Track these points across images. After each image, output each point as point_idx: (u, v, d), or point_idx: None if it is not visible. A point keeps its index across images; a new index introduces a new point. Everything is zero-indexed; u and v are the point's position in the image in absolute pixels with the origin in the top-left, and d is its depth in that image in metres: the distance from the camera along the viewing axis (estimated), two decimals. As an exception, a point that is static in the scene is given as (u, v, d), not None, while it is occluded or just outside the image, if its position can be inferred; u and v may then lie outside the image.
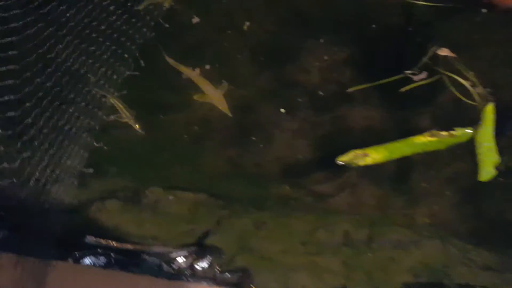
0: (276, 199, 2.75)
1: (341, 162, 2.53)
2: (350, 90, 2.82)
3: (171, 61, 2.90)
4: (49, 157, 2.24)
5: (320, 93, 3.00)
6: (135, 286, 2.11)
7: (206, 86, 2.95)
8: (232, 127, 2.91)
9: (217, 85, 2.98)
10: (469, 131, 2.53)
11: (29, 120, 2.06)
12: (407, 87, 2.69)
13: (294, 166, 2.89)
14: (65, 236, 2.31)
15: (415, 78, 2.70)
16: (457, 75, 2.64)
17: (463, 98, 2.66)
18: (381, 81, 2.72)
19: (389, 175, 2.83)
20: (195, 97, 2.95)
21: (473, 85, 2.60)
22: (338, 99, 2.99)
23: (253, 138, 2.90)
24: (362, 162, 2.51)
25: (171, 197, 2.63)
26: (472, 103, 2.64)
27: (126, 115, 2.78)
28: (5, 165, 1.91)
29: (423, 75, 2.70)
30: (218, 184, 2.78)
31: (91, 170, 2.50)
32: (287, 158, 2.89)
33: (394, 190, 2.80)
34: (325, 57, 3.06)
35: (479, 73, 2.70)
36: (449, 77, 2.67)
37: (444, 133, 2.53)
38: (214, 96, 2.92)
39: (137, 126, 2.80)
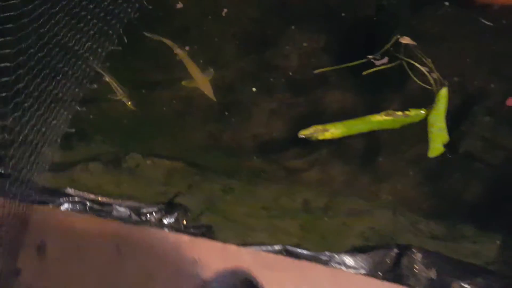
0: (248, 171, 3.13)
1: (302, 136, 2.91)
2: (316, 71, 3.21)
3: (155, 36, 3.30)
4: (38, 117, 2.68)
5: (297, 76, 3.38)
6: (105, 228, 2.53)
7: (194, 71, 3.33)
8: (213, 105, 3.30)
9: (203, 71, 3.35)
10: (422, 112, 2.90)
11: (21, 85, 2.51)
12: (369, 71, 3.08)
13: (269, 143, 3.27)
14: (48, 188, 2.74)
15: (377, 62, 3.08)
16: (416, 61, 3.00)
17: (420, 82, 3.03)
18: (346, 65, 3.12)
19: (358, 155, 3.20)
20: (183, 83, 3.34)
21: (430, 71, 2.97)
22: (313, 82, 3.38)
23: (232, 116, 3.30)
24: (322, 136, 2.90)
25: (149, 163, 3.03)
26: (428, 87, 3.01)
27: (120, 93, 3.21)
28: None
29: (385, 60, 3.09)
30: (195, 154, 3.17)
31: (73, 130, 2.93)
32: (263, 135, 3.27)
33: (362, 168, 3.15)
34: (304, 44, 3.45)
35: (436, 60, 3.06)
36: (408, 63, 3.04)
37: (399, 113, 2.91)
38: (201, 82, 3.30)
39: (129, 103, 3.21)
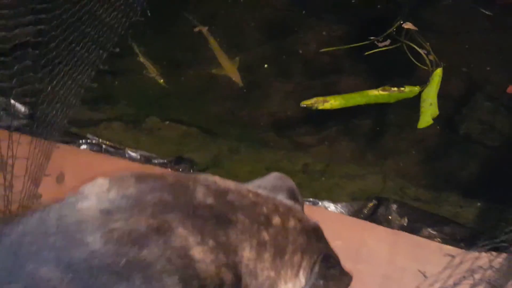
0: (258, 139, 3.73)
1: (304, 105, 3.49)
2: (322, 50, 3.81)
3: (194, 22, 4.03)
4: (66, 72, 3.37)
5: (314, 62, 3.99)
6: (118, 164, 3.16)
7: (223, 59, 3.97)
8: (234, 84, 3.94)
9: (231, 59, 3.97)
10: (416, 88, 3.44)
11: (53, 44, 3.22)
12: (372, 51, 3.66)
13: (282, 120, 3.84)
14: (71, 131, 3.42)
15: (380, 44, 3.66)
16: (416, 44, 3.57)
17: (417, 63, 3.58)
18: (350, 45, 3.72)
19: (365, 134, 3.73)
20: (214, 70, 3.95)
21: (427, 53, 3.52)
22: (329, 68, 3.97)
23: (250, 96, 3.87)
24: (322, 106, 3.48)
25: (166, 125, 3.67)
26: (424, 67, 3.55)
27: (153, 71, 3.89)
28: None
29: (387, 42, 3.66)
30: (211, 124, 3.79)
31: (95, 85, 3.61)
32: (278, 114, 3.86)
33: (367, 146, 3.69)
34: (323, 33, 4.06)
35: (435, 45, 3.62)
36: (408, 45, 3.61)
37: (394, 88, 3.47)
38: (230, 69, 3.93)
39: (161, 81, 3.87)
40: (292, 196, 2.06)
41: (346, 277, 2.02)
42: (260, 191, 1.92)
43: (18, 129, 3.07)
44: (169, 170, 3.15)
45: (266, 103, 3.86)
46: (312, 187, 3.29)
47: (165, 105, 3.87)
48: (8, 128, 2.97)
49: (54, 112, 3.18)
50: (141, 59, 3.93)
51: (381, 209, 2.95)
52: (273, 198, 1.94)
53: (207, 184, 1.75)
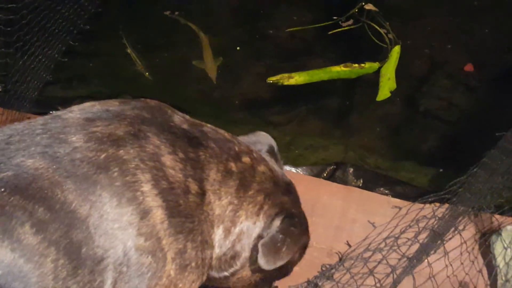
0: (230, 119, 4.00)
1: (270, 81, 3.78)
2: (288, 30, 4.11)
3: (181, 20, 4.29)
4: (36, 47, 3.64)
5: (285, 45, 4.28)
6: None
7: (207, 56, 4.21)
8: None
9: (215, 57, 4.22)
10: (375, 65, 3.74)
11: (24, 21, 3.50)
12: (335, 31, 3.98)
13: (254, 100, 4.12)
14: (42, 102, 3.69)
15: (343, 24, 3.97)
16: (376, 24, 3.88)
17: (377, 41, 3.90)
18: (315, 25, 4.03)
19: (333, 113, 4.03)
20: (194, 62, 4.20)
21: (387, 32, 3.84)
22: (298, 50, 4.27)
23: (222, 77, 4.13)
24: (287, 82, 3.77)
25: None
26: (384, 45, 3.87)
27: (138, 64, 4.15)
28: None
29: (350, 22, 3.98)
30: (184, 104, 4.04)
31: (65, 59, 3.87)
32: (249, 94, 4.13)
33: (335, 124, 3.98)
34: (294, 17, 4.36)
35: (394, 24, 3.95)
36: (369, 25, 3.92)
37: (355, 65, 3.79)
38: (210, 67, 4.18)
39: (147, 74, 4.13)
40: (272, 154, 2.33)
41: (304, 237, 2.22)
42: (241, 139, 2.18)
43: (-11, 101, 3.30)
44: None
45: (238, 84, 4.15)
46: (277, 158, 3.54)
47: (139, 85, 4.14)
48: (-20, 100, 3.24)
49: (25, 85, 3.42)
50: (129, 50, 4.19)
51: (338, 172, 3.23)
52: (250, 146, 2.20)
53: (184, 116, 2.04)
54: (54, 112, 1.92)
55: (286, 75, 3.76)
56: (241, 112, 4.02)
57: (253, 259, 2.09)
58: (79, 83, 3.99)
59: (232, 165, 2.02)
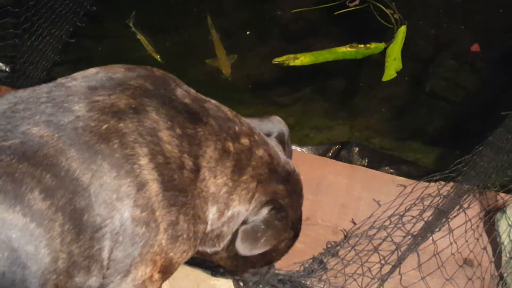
0: (236, 100, 4.01)
1: (276, 62, 3.79)
2: (294, 11, 4.11)
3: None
4: (44, 28, 3.65)
5: (290, 27, 4.28)
6: None
7: (220, 53, 4.20)
8: (213, 48, 4.22)
9: (228, 55, 4.20)
10: (381, 45, 3.75)
11: (32, 3, 3.51)
12: (341, 11, 3.99)
13: (260, 82, 4.14)
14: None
15: (350, 4, 3.97)
16: (382, 4, 3.90)
17: (383, 22, 3.90)
18: (321, 6, 4.02)
19: (338, 94, 4.04)
20: (207, 61, 4.18)
21: (393, 12, 3.85)
22: (305, 32, 4.27)
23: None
24: (292, 63, 3.78)
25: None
26: (390, 25, 3.87)
27: (150, 48, 4.16)
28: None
29: (356, 2, 3.98)
30: (190, 84, 4.08)
31: (73, 40, 3.89)
32: (255, 75, 4.15)
33: (340, 105, 3.99)
34: (299, -1, 4.36)
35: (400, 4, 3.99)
36: (375, 5, 3.92)
37: (361, 45, 3.79)
38: (224, 64, 4.17)
39: (158, 56, 4.14)
40: (281, 140, 2.33)
41: (285, 232, 2.20)
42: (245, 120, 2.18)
43: (-1, 81, 3.32)
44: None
45: (243, 66, 4.14)
46: (283, 138, 3.56)
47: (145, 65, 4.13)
48: (-11, 80, 3.27)
49: (33, 65, 3.45)
50: (138, 36, 4.20)
51: (343, 152, 3.25)
52: (253, 128, 2.19)
53: (188, 90, 2.06)
54: (58, 79, 1.93)
55: (291, 56, 3.78)
56: (247, 93, 4.05)
57: (232, 241, 2.11)
58: (86, 65, 3.96)
59: (230, 145, 2.04)
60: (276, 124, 2.32)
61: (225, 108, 2.11)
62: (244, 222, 2.09)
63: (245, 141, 2.07)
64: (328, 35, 4.14)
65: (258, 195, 2.09)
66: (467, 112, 3.73)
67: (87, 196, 1.73)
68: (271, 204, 2.09)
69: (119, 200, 1.77)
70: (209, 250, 2.18)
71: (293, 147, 3.14)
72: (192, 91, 2.06)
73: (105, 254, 1.79)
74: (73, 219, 1.72)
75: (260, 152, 2.10)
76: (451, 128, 3.67)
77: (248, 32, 4.26)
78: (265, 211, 2.08)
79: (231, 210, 2.06)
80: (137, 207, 1.79)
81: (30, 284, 1.67)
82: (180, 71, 4.05)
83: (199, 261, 2.48)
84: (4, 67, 3.61)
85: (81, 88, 1.85)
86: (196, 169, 1.93)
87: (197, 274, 2.63)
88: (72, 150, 1.73)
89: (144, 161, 1.80)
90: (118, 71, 1.95)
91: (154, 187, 1.81)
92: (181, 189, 1.88)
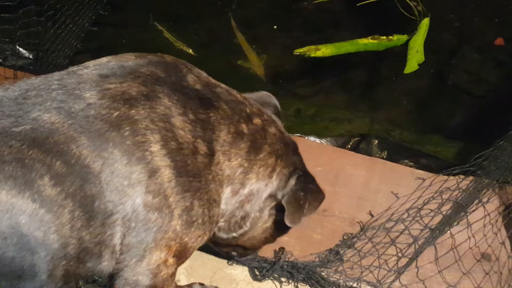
0: (256, 91, 4.01)
1: (297, 53, 3.78)
2: (316, 1, 4.10)
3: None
4: (67, 16, 3.67)
5: (313, 18, 4.27)
6: None
7: (251, 54, 4.20)
8: (232, 37, 4.23)
9: (259, 55, 4.20)
10: (404, 37, 3.72)
11: None
12: (363, 2, 3.97)
13: (280, 73, 4.15)
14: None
15: None
16: None
17: (406, 14, 3.91)
18: None
19: (359, 86, 4.03)
20: (239, 62, 4.18)
21: (416, 4, 3.83)
22: (327, 24, 4.25)
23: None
24: (314, 54, 3.77)
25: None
26: (413, 17, 3.87)
27: (180, 44, 4.17)
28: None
29: None
30: (210, 74, 4.09)
31: (95, 28, 3.91)
32: (276, 66, 4.16)
33: (360, 97, 3.98)
34: (322, -10, 4.34)
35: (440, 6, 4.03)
36: None
37: (383, 37, 3.77)
38: (257, 65, 4.17)
39: (190, 50, 4.17)
40: (276, 113, 2.37)
41: (321, 194, 2.26)
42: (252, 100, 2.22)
43: (22, 68, 3.40)
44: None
45: (264, 57, 4.15)
46: (303, 129, 3.59)
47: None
48: (13, 67, 3.29)
49: (56, 53, 3.47)
50: (166, 34, 4.22)
51: (363, 144, 3.24)
52: (261, 107, 2.25)
53: (199, 75, 2.06)
54: (70, 67, 1.94)
55: (313, 47, 3.77)
56: (267, 84, 4.05)
57: (264, 218, 2.16)
58: (107, 53, 4.00)
59: (244, 127, 2.07)
60: (268, 99, 2.37)
61: (234, 91, 2.14)
62: (274, 198, 2.15)
63: (257, 121, 2.11)
64: (350, 27, 4.12)
65: (279, 169, 2.14)
66: (489, 106, 3.70)
67: (98, 183, 1.75)
68: (296, 173, 2.15)
69: (131, 186, 1.79)
70: (236, 233, 2.22)
71: (312, 138, 3.16)
72: (204, 75, 2.08)
73: (116, 240, 1.81)
74: (83, 206, 1.74)
75: (272, 129, 2.15)
76: (472, 122, 3.64)
77: (275, 27, 4.22)
78: (293, 181, 2.13)
79: (248, 187, 2.09)
80: (149, 193, 1.81)
81: (39, 269, 1.71)
82: (198, 61, 4.12)
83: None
84: (27, 54, 3.63)
85: (93, 76, 1.86)
86: (211, 154, 1.96)
87: (214, 262, 2.63)
88: (83, 137, 1.75)
89: (156, 147, 1.81)
90: (129, 59, 1.96)
91: (166, 173, 1.82)
92: (195, 174, 1.90)
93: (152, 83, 1.88)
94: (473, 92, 3.76)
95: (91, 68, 1.90)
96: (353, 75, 4.01)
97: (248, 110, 2.10)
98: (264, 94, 2.35)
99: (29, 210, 1.65)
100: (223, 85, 2.11)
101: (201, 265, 2.61)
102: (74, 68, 1.92)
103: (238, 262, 2.60)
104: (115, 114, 1.78)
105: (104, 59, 1.95)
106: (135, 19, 4.23)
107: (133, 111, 1.80)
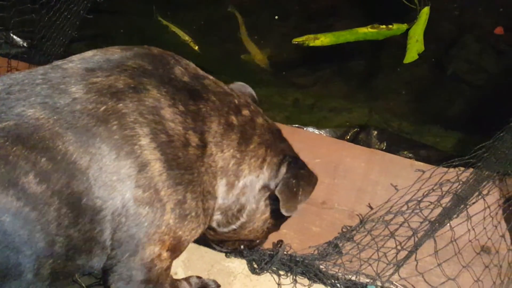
0: (254, 80, 3.96)
1: (296, 42, 3.73)
2: None
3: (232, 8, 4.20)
4: (62, 2, 3.60)
5: (311, 6, 4.21)
6: None
7: (252, 48, 4.16)
8: (230, 25, 4.17)
9: (261, 49, 4.17)
10: (403, 26, 3.67)
11: None
12: None
13: (279, 62, 4.10)
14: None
15: None
16: None
17: (406, 2, 3.88)
18: None
19: (357, 75, 3.97)
20: (243, 56, 4.14)
21: None
22: (326, 11, 4.19)
23: (250, 37, 4.14)
24: (312, 43, 3.71)
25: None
26: (412, 6, 3.82)
27: (186, 39, 4.12)
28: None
29: None
30: (208, 64, 4.01)
31: (91, 16, 3.85)
32: (274, 55, 4.11)
33: (359, 87, 3.93)
34: (320, -22, 4.28)
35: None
36: None
37: (382, 26, 3.71)
38: (259, 58, 4.13)
39: (196, 47, 4.12)
40: (254, 101, 2.32)
41: (313, 177, 2.24)
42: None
43: (16, 57, 3.32)
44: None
45: (262, 45, 4.08)
46: (301, 119, 3.54)
47: (162, 44, 4.08)
48: (7, 55, 3.23)
49: (50, 41, 3.41)
50: (172, 28, 4.17)
51: (362, 135, 3.20)
52: (247, 97, 2.23)
53: (186, 67, 2.01)
54: (54, 61, 1.88)
55: (311, 36, 3.71)
56: (265, 73, 4.00)
57: (261, 209, 2.14)
58: (103, 41, 3.98)
59: (233, 118, 2.04)
60: (244, 89, 2.33)
61: (221, 83, 2.10)
62: (267, 188, 2.12)
63: (246, 112, 2.09)
64: (349, 15, 4.08)
65: (270, 159, 2.11)
66: (489, 96, 3.66)
67: (86, 179, 1.70)
68: (286, 160, 2.12)
69: (120, 181, 1.74)
70: (234, 226, 2.19)
71: (311, 129, 3.11)
72: (191, 66, 2.04)
73: (106, 235, 1.77)
74: (70, 203, 1.69)
75: (260, 119, 2.14)
76: (472, 112, 3.60)
77: (276, 17, 4.16)
78: (284, 169, 2.11)
79: (242, 180, 2.07)
80: (139, 188, 1.76)
81: (25, 268, 1.67)
82: (195, 49, 4.10)
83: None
84: (21, 42, 3.56)
85: (78, 70, 1.81)
86: (203, 145, 1.92)
87: (212, 255, 2.60)
88: (69, 133, 1.69)
89: (145, 141, 1.77)
90: (115, 52, 1.91)
91: (156, 167, 1.78)
92: (186, 167, 1.86)
93: (139, 76, 1.83)
94: (473, 81, 3.73)
95: (76, 62, 1.84)
96: (351, 64, 3.98)
97: (236, 102, 2.08)
98: (239, 85, 2.33)
99: (13, 208, 1.60)
100: (210, 77, 2.08)
101: (199, 258, 2.57)
102: (59, 62, 1.86)
103: (237, 255, 2.55)
104: (102, 108, 1.73)
105: (89, 53, 1.90)
106: (131, 5, 4.17)
107: (121, 104, 1.75)
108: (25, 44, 3.62)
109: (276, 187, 2.10)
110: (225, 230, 2.18)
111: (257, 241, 2.42)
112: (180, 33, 4.08)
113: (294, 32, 4.11)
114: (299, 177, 2.13)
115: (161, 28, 4.07)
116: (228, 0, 4.22)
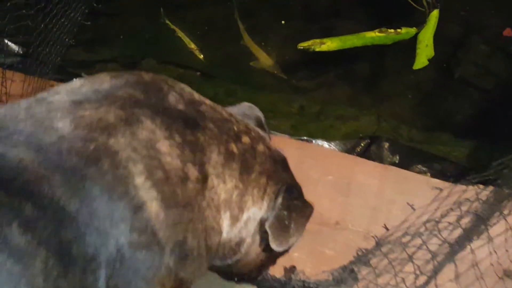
0: (256, 84, 3.80)
1: (301, 47, 3.56)
2: None
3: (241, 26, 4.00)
4: (59, 9, 3.42)
5: (315, 8, 4.04)
6: None
7: (260, 54, 3.97)
8: (233, 28, 4.00)
9: (268, 54, 3.98)
10: (412, 30, 3.50)
11: None
12: None
13: (281, 64, 3.93)
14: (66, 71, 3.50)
15: None
16: None
17: (414, 5, 3.65)
18: None
19: (362, 78, 3.81)
20: (252, 63, 3.95)
21: None
22: (328, 12, 4.03)
23: (251, 39, 3.94)
24: (318, 48, 3.55)
25: (162, 68, 3.74)
26: (421, 9, 3.63)
27: (192, 47, 3.94)
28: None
29: None
30: (208, 67, 3.87)
31: (89, 23, 3.68)
32: (277, 58, 3.95)
33: (365, 90, 3.77)
34: (322, -21, 4.10)
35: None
36: None
37: (391, 30, 3.54)
38: (270, 64, 3.94)
39: (201, 56, 3.93)
40: (259, 125, 2.13)
41: (308, 208, 2.04)
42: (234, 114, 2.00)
43: (11, 67, 3.15)
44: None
45: (265, 47, 3.92)
46: (308, 128, 3.40)
47: (163, 47, 3.93)
48: (1, 65, 3.04)
49: (47, 49, 3.24)
50: (179, 34, 4.00)
51: (373, 147, 3.05)
52: (247, 122, 2.02)
53: (181, 93, 1.82)
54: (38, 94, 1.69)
55: (317, 40, 3.56)
56: (268, 77, 3.85)
57: (257, 243, 1.95)
58: (101, 46, 3.82)
59: (233, 146, 1.85)
60: (250, 111, 2.12)
61: (218, 108, 1.90)
62: (264, 220, 1.92)
63: (246, 139, 1.89)
64: (355, 18, 3.92)
65: (269, 189, 1.92)
66: (498, 100, 3.54)
67: (75, 226, 1.49)
68: (282, 191, 1.92)
69: (113, 226, 1.54)
70: (230, 261, 1.98)
71: (320, 142, 2.97)
72: (187, 91, 1.82)
73: (101, 283, 1.60)
74: (59, 253, 1.48)
75: (260, 147, 1.93)
76: (481, 117, 3.48)
77: (283, 22, 4.00)
78: (280, 199, 1.91)
79: (246, 213, 1.88)
80: (134, 231, 1.56)
81: None
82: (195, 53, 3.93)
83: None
84: (16, 50, 3.37)
85: (64, 103, 1.60)
86: (203, 178, 1.73)
87: (221, 282, 2.44)
88: (56, 176, 1.48)
89: (139, 179, 1.57)
90: (104, 81, 1.70)
91: (153, 207, 1.59)
92: (186, 203, 1.67)
93: (131, 107, 1.63)
94: (481, 85, 3.61)
95: (63, 94, 1.64)
96: (357, 68, 3.84)
97: (235, 128, 1.88)
98: (245, 106, 2.13)
99: None
100: (207, 101, 1.88)
101: (207, 284, 2.42)
102: (44, 94, 1.65)
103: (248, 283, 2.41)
104: (92, 146, 1.53)
105: (76, 83, 1.70)
106: (130, 9, 4.00)
107: (112, 140, 1.56)
108: (20, 52, 3.42)
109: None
110: (219, 263, 2.03)
111: (250, 275, 2.23)
112: (186, 40, 3.91)
113: (297, 34, 3.97)
114: (291, 208, 1.93)
115: (160, 31, 3.89)
116: (232, 4, 4.00)
